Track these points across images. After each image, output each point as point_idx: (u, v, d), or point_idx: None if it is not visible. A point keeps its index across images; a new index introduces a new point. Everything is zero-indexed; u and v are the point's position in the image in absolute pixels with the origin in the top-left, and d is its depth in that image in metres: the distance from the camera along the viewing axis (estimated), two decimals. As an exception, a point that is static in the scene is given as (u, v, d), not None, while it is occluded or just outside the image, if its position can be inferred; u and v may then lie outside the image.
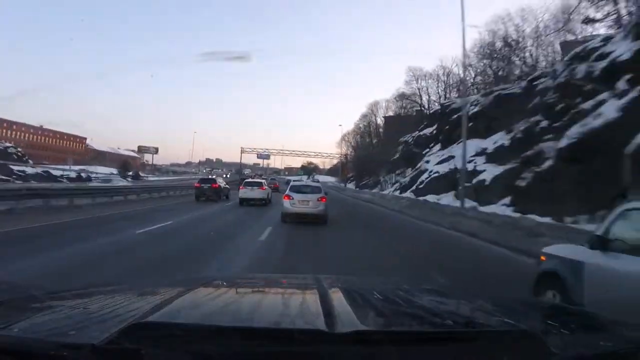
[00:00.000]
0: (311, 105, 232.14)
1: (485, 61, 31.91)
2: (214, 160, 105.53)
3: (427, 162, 27.79)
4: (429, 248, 9.11)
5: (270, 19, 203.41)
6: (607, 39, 14.63)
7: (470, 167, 18.56)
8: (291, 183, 13.47)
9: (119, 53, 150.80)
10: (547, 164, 13.21)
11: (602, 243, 2.87)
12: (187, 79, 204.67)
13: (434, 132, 31.90)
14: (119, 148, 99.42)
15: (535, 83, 19.43)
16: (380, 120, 62.13)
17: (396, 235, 11.57)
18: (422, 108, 46.62)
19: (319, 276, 1.64)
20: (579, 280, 2.98)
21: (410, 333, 0.95)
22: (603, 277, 2.81)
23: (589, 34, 20.49)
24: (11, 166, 40.25)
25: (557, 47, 25.18)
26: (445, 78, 43.38)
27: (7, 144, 50.47)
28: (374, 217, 17.55)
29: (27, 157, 51.14)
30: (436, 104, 42.80)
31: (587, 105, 12.59)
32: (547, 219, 10.91)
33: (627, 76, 11.60)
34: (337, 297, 1.21)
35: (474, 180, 18.18)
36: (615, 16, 17.95)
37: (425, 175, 25.97)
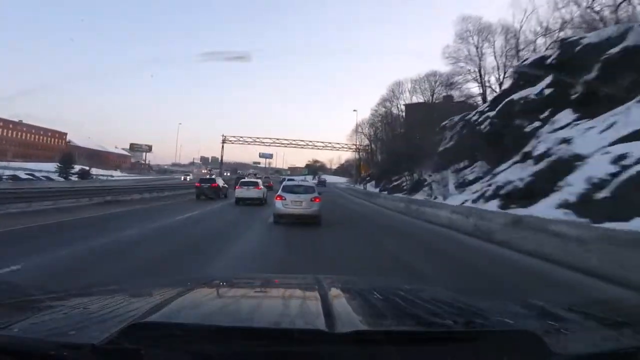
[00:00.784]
0: (316, 105, 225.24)
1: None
2: (210, 158, 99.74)
3: (567, 141, 12.77)
4: None
5: (270, 18, 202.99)
6: None
7: None
8: (284, 183, 13.11)
9: (118, 53, 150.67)
10: None
11: None
12: (188, 79, 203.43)
13: (546, 91, 16.21)
14: (102, 146, 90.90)
15: None
16: (399, 109, 52.98)
17: None
18: (480, 77, 32.84)
19: (319, 276, 1.64)
20: None
21: (410, 333, 0.95)
22: None
23: None
24: None
25: None
26: (520, 27, 28.77)
27: None
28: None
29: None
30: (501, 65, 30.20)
31: None
32: None
33: None
34: (337, 297, 1.22)
35: None
36: None
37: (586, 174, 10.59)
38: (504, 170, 16.13)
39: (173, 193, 25.00)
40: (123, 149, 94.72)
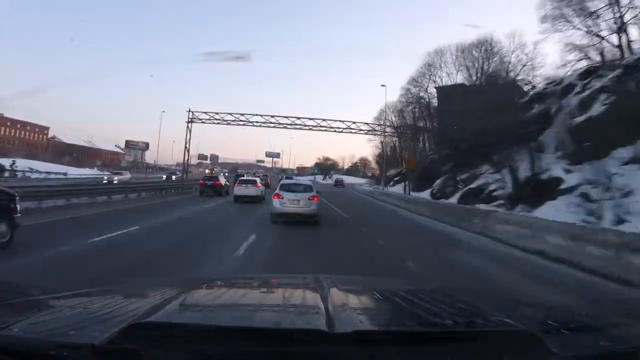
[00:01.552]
0: (321, 105, 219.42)
1: None
2: (209, 156, 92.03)
3: None
4: None
5: (270, 18, 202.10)
6: None
7: None
8: (281, 181, 13.10)
9: (118, 53, 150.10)
10: None
11: None
12: (188, 79, 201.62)
13: None
14: (92, 143, 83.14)
15: None
16: (428, 94, 41.33)
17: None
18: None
19: (319, 276, 1.64)
20: None
21: (410, 333, 0.95)
22: None
23: None
24: None
25: None
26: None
27: None
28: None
29: None
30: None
31: None
32: None
33: None
34: (337, 297, 1.21)
35: None
36: None
37: None
38: None
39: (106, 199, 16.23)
40: (116, 145, 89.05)
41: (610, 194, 10.69)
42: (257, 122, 43.82)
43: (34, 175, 37.14)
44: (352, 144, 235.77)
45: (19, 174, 36.70)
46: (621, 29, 21.65)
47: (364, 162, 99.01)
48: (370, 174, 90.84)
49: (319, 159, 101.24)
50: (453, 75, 39.31)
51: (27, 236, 6.81)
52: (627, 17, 21.23)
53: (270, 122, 43.92)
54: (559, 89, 21.31)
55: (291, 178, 20.09)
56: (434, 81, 41.27)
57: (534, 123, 18.64)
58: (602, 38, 22.85)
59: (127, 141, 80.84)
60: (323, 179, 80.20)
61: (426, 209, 16.42)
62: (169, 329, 0.85)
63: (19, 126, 69.52)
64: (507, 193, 16.31)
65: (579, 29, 23.50)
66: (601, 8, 21.89)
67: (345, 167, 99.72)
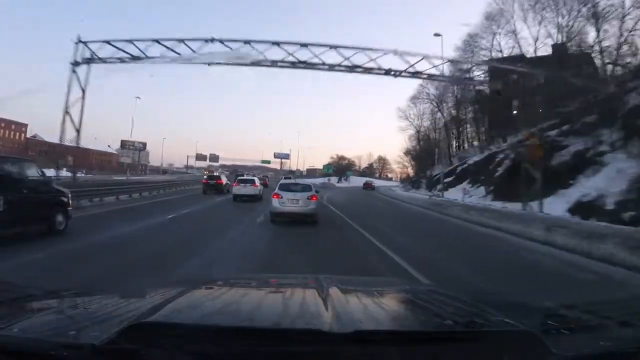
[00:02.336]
0: (329, 106, 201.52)
1: None
2: (208, 155, 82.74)
3: None
4: None
5: (271, 17, 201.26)
6: None
7: None
8: (281, 181, 13.26)
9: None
10: None
11: None
12: (188, 79, 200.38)
13: None
14: (72, 140, 76.39)
15: None
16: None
17: None
18: None
19: (319, 276, 1.64)
20: None
21: (410, 333, 0.95)
22: None
23: None
24: None
25: None
26: None
27: None
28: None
29: None
30: None
31: None
32: None
33: None
34: (337, 297, 1.22)
35: None
36: None
37: None
38: None
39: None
40: (109, 146, 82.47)
41: None
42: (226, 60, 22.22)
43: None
44: (370, 142, 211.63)
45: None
46: None
47: (382, 161, 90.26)
48: (388, 175, 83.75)
49: (332, 157, 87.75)
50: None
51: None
52: None
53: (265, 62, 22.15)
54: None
55: (290, 178, 20.13)
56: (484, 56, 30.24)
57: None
58: None
59: (122, 141, 71.35)
60: (338, 182, 71.27)
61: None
62: (169, 329, 0.85)
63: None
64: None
65: None
66: None
67: (362, 167, 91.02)
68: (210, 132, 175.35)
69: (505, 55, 29.25)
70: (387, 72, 22.16)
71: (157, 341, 0.80)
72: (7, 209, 6.34)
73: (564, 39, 24.85)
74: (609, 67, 21.95)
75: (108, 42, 22.01)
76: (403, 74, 22.18)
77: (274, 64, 22.21)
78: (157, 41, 21.55)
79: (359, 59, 21.42)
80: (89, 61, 22.24)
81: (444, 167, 31.25)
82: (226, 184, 25.61)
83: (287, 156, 75.46)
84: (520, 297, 1.96)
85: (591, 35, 23.59)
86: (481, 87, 29.89)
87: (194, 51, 21.33)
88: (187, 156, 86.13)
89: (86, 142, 75.62)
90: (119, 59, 22.11)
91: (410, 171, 59.56)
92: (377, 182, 63.32)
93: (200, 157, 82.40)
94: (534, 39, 27.16)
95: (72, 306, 1.15)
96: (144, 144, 74.75)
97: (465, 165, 32.28)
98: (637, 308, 1.73)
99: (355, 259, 6.76)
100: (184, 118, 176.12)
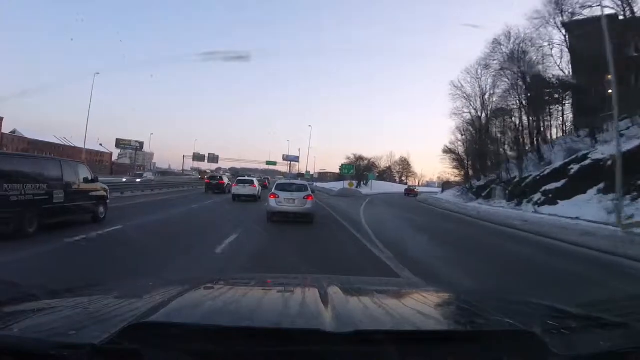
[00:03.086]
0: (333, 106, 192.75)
1: None
2: (207, 155, 75.85)
3: None
4: None
5: (270, 17, 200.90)
6: None
7: None
8: (277, 182, 13.70)
9: (118, 52, 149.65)
10: None
11: None
12: (189, 79, 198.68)
13: None
14: (66, 138, 72.28)
15: None
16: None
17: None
18: None
19: (319, 276, 1.64)
20: None
21: (410, 333, 0.95)
22: None
23: None
24: None
25: None
26: None
27: None
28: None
29: None
30: None
31: None
32: None
33: None
34: (337, 297, 1.22)
35: None
36: None
37: None
38: None
39: None
40: (101, 144, 78.87)
41: None
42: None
43: None
44: (389, 144, 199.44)
45: None
46: None
47: (404, 163, 79.36)
48: (403, 181, 72.58)
49: (348, 158, 72.98)
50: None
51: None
52: None
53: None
54: None
55: (284, 178, 20.79)
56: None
57: None
58: None
59: (117, 139, 67.29)
60: (357, 186, 50.91)
61: None
62: (169, 329, 0.85)
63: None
64: None
65: None
66: None
67: (381, 167, 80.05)
68: (215, 132, 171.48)
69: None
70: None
71: (157, 341, 0.80)
72: (66, 200, 8.31)
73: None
74: None
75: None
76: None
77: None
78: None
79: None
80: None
81: (538, 167, 21.48)
82: (227, 184, 27.14)
83: (296, 159, 68.91)
84: (520, 297, 1.96)
85: None
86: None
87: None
88: (184, 156, 78.95)
89: (79, 142, 68.92)
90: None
91: (453, 173, 44.56)
92: (403, 188, 56.65)
93: (197, 157, 76.85)
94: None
95: (72, 306, 1.15)
96: (141, 143, 70.57)
97: (588, 160, 19.27)
98: (636, 308, 1.73)
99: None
100: (185, 118, 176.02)
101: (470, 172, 37.84)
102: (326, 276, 1.70)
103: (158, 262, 5.84)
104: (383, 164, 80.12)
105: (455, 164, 41.05)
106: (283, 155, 70.52)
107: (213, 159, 77.02)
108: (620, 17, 21.68)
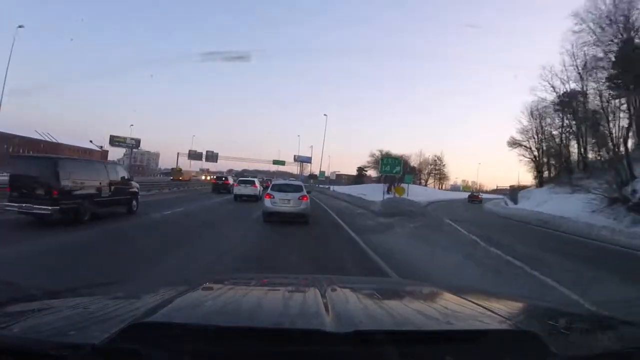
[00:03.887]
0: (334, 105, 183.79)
1: None
2: (204, 153, 67.52)
3: None
4: None
5: (271, 17, 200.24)
6: None
7: None
8: (273, 182, 13.67)
9: (117, 53, 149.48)
10: None
11: None
12: (189, 79, 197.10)
13: None
14: (49, 134, 66.23)
15: None
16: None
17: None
18: None
19: (319, 276, 1.64)
20: None
21: (410, 333, 0.95)
22: None
23: None
24: None
25: None
26: None
27: None
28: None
29: None
30: None
31: None
32: None
33: None
34: (337, 297, 1.21)
35: None
36: None
37: None
38: None
39: None
40: (91, 141, 74.05)
41: None
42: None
43: None
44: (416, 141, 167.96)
45: None
46: None
47: (435, 163, 67.15)
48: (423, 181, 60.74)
49: (373, 155, 63.76)
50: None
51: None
52: None
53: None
54: None
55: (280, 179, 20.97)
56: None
57: None
58: None
59: (111, 136, 60.00)
60: (387, 192, 30.62)
61: None
62: (169, 329, 0.85)
63: None
64: None
65: None
66: None
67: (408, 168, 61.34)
68: (219, 133, 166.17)
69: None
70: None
71: (157, 341, 0.80)
72: (111, 194, 10.55)
73: None
74: None
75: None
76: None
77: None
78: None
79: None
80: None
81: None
82: (232, 185, 28.41)
83: (308, 159, 62.19)
84: (521, 297, 1.96)
85: None
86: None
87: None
88: (178, 153, 67.29)
89: (65, 138, 65.37)
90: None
91: (528, 172, 35.56)
92: (459, 194, 47.88)
93: (194, 155, 66.84)
94: None
95: (72, 306, 1.15)
96: (138, 140, 61.98)
97: None
98: (636, 308, 1.74)
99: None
100: (185, 118, 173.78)
101: (545, 174, 29.74)
102: (326, 276, 1.70)
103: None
104: (412, 162, 65.89)
105: (531, 163, 31.44)
106: (294, 156, 64.26)
107: (211, 157, 68.63)
108: None
